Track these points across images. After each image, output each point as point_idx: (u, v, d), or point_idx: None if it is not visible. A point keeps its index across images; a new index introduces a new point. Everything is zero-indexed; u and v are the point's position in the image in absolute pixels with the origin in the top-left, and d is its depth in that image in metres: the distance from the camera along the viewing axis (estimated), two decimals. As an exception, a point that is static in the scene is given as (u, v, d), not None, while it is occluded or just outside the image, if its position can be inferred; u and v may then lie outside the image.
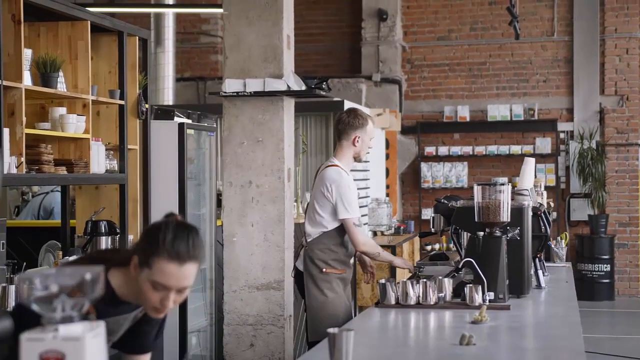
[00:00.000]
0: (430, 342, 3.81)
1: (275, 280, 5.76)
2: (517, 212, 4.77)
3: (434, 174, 13.16)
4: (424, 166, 13.17)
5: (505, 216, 4.60)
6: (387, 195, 12.40)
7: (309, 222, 5.29)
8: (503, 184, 4.65)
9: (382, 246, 9.24)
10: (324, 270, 5.19)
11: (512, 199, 5.36)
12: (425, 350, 3.60)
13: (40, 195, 7.81)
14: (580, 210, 12.83)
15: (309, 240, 5.23)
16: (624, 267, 12.83)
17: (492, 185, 4.65)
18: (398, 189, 13.09)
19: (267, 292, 5.78)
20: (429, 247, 12.30)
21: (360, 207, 9.95)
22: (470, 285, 4.40)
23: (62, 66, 5.08)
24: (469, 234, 4.81)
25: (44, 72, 4.90)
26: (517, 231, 4.72)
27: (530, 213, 4.96)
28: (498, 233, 4.61)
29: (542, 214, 5.35)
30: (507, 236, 4.67)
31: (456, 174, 13.09)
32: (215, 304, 6.90)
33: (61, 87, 5.08)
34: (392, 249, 9.41)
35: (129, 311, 2.78)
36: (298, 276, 5.36)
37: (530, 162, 5.89)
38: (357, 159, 5.36)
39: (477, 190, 4.64)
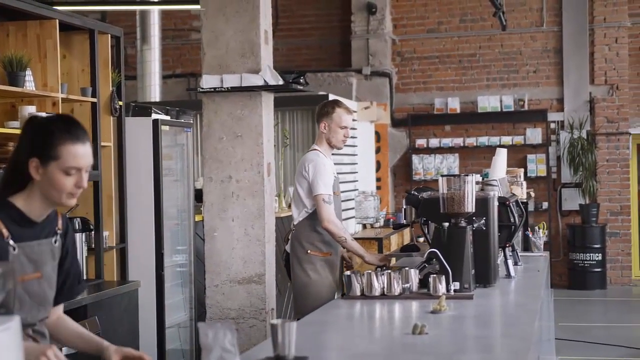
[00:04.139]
0: (384, 332, 3.83)
1: (257, 274, 5.79)
2: (483, 203, 4.80)
3: (425, 166, 13.18)
4: (415, 158, 13.19)
5: (470, 207, 4.62)
6: (379, 188, 12.43)
7: (294, 205, 5.51)
8: (467, 175, 4.67)
9: (369, 239, 9.36)
10: (309, 252, 5.38)
11: (482, 190, 5.40)
12: (376, 340, 3.63)
13: None
14: (572, 200, 12.85)
15: (295, 223, 5.45)
16: (615, 256, 12.85)
17: (457, 176, 4.68)
18: (390, 181, 13.12)
19: (249, 286, 5.81)
20: (421, 239, 12.26)
21: (348, 200, 10.05)
22: (434, 275, 4.43)
23: (30, 65, 5.11)
24: (435, 225, 4.83)
25: (11, 71, 4.93)
26: (482, 221, 4.74)
27: (496, 203, 4.97)
28: (463, 223, 4.63)
29: (512, 204, 5.37)
30: (473, 226, 4.69)
31: (447, 166, 13.11)
32: (196, 298, 6.94)
33: (29, 85, 5.11)
34: (379, 242, 9.44)
35: (42, 236, 2.89)
36: (287, 259, 5.55)
37: (501, 153, 5.92)
38: (331, 145, 5.51)
39: (441, 181, 4.66)
